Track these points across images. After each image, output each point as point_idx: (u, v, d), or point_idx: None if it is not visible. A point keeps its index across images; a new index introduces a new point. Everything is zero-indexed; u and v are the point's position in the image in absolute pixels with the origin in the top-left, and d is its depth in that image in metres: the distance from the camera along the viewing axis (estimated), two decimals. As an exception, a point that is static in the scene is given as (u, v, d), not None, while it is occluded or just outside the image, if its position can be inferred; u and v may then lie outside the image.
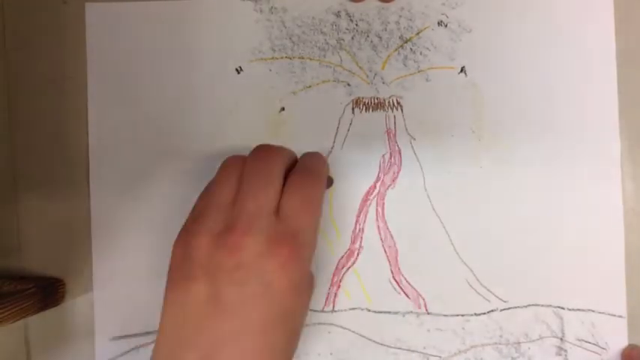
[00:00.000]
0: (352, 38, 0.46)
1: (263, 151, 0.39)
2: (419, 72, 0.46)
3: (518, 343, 0.45)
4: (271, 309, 0.33)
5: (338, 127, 0.46)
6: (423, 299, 0.45)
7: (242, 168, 0.37)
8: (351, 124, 0.46)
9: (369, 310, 0.46)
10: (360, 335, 0.45)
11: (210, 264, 0.33)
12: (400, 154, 0.46)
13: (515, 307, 0.45)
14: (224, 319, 0.32)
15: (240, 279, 0.33)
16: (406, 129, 0.46)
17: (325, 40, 0.46)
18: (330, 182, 0.44)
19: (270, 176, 0.36)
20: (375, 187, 0.46)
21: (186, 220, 0.38)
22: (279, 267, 0.33)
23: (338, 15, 0.46)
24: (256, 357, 0.32)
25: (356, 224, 0.46)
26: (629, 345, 0.45)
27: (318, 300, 0.46)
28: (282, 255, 0.33)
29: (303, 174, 0.38)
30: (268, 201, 0.35)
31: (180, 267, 0.35)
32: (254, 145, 0.45)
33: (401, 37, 0.46)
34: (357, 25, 0.46)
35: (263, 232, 0.33)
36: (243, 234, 0.33)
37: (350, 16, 0.46)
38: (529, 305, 0.45)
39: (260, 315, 0.33)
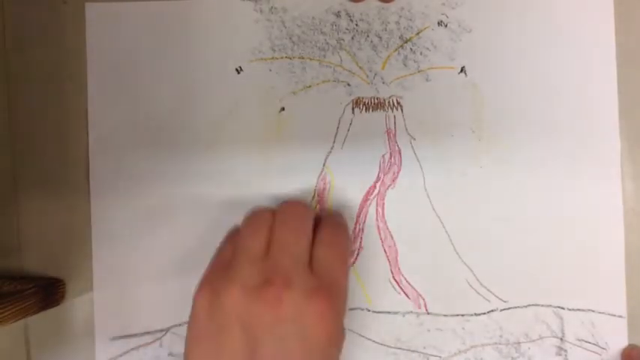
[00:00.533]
0: (352, 38, 0.46)
1: (293, 205, 0.39)
2: (419, 72, 0.46)
3: (518, 343, 0.45)
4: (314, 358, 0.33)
5: (338, 127, 0.46)
6: (423, 299, 0.45)
7: (271, 220, 0.38)
8: (351, 124, 0.46)
9: (369, 310, 0.46)
10: (360, 335, 0.45)
11: (247, 318, 0.33)
12: (400, 154, 0.46)
13: (515, 307, 0.45)
14: None
15: (280, 333, 0.33)
16: (406, 129, 0.46)
17: (325, 40, 0.46)
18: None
19: (302, 230, 0.37)
20: (375, 187, 0.46)
21: (210, 269, 0.38)
22: (318, 320, 0.33)
23: (338, 15, 0.46)
24: None
25: (356, 224, 0.46)
26: (630, 345, 0.45)
27: (318, 300, 0.46)
28: (320, 308, 0.33)
29: (332, 225, 0.39)
30: (303, 255, 0.35)
31: (210, 319, 0.35)
32: (254, 145, 0.45)
33: (401, 37, 0.46)
34: (357, 25, 0.46)
35: (301, 285, 0.33)
36: (283, 288, 0.33)
37: (350, 16, 0.46)
38: (529, 305, 0.45)
39: None
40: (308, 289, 0.33)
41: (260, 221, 0.38)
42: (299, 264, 0.35)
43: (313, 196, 0.46)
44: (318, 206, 0.46)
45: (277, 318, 0.33)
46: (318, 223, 0.40)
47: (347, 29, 0.46)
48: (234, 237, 0.39)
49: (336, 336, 0.35)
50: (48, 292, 0.44)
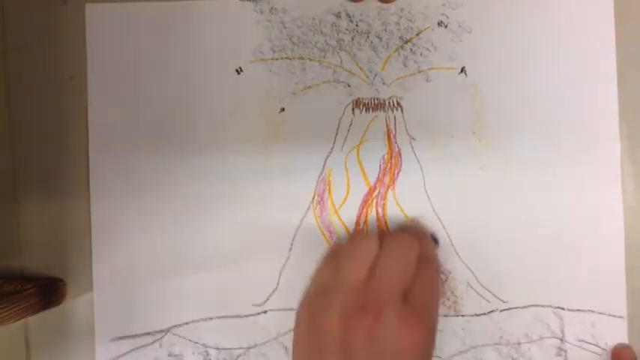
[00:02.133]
0: (352, 39, 0.46)
1: (400, 238, 0.39)
2: (419, 72, 0.46)
3: (519, 343, 0.45)
4: None
5: (338, 128, 0.46)
6: (423, 300, 0.45)
7: (376, 250, 0.38)
8: (351, 124, 0.46)
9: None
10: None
11: (345, 343, 0.34)
12: (400, 154, 0.46)
13: (516, 308, 0.45)
14: None
15: (376, 357, 0.34)
16: (406, 129, 0.46)
17: (325, 40, 0.46)
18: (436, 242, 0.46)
19: (407, 266, 0.37)
20: (375, 187, 0.46)
21: (310, 291, 0.39)
22: (413, 349, 0.34)
23: (338, 16, 0.46)
24: None
25: (356, 225, 0.46)
26: (619, 344, 0.45)
27: (318, 300, 0.46)
28: (415, 338, 0.34)
29: (425, 260, 0.39)
30: (402, 288, 0.36)
31: (311, 342, 0.36)
32: (254, 145, 0.45)
33: (401, 38, 0.46)
34: (357, 25, 0.46)
35: (396, 314, 0.34)
36: (379, 317, 0.34)
37: (350, 17, 0.46)
38: (529, 306, 0.45)
39: None
40: (402, 317, 0.34)
41: (364, 251, 0.38)
42: (396, 296, 0.36)
43: (313, 197, 0.46)
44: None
45: (372, 344, 0.34)
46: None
47: (347, 30, 0.46)
48: (335, 261, 0.40)
49: (428, 349, 0.36)
50: (48, 292, 0.44)
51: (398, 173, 0.46)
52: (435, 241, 0.45)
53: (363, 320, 0.34)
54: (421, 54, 0.46)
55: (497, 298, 0.45)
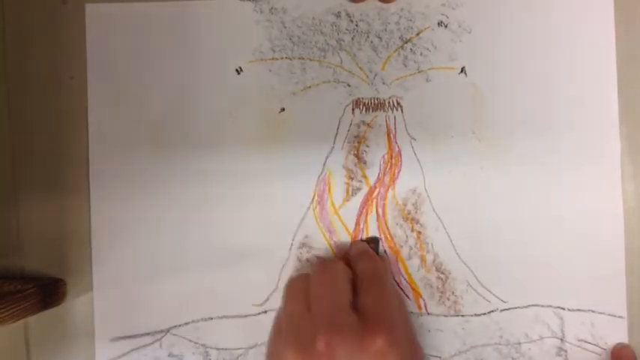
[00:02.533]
0: (352, 39, 0.46)
1: (322, 264, 0.41)
2: (419, 72, 0.46)
3: (519, 343, 0.45)
4: None
5: (338, 128, 0.46)
6: (424, 300, 0.45)
7: (307, 283, 0.39)
8: (351, 124, 0.46)
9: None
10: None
11: None
12: (400, 154, 0.46)
13: (516, 308, 0.45)
14: None
15: None
16: (406, 129, 0.46)
17: (325, 40, 0.46)
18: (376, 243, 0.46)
19: (337, 281, 0.38)
20: (375, 187, 0.46)
21: (270, 337, 0.40)
22: (379, 357, 0.33)
23: (338, 15, 0.46)
24: None
25: (357, 225, 0.46)
26: (619, 344, 0.45)
27: (318, 300, 0.46)
28: (378, 345, 0.33)
29: (368, 277, 0.39)
30: (344, 301, 0.36)
31: None
32: (254, 145, 0.45)
33: (401, 38, 0.46)
34: (357, 25, 0.46)
35: (350, 327, 0.34)
36: (331, 333, 0.33)
37: (350, 17, 0.46)
38: (529, 305, 0.45)
39: None
40: (358, 330, 0.34)
41: (296, 286, 0.39)
42: (342, 308, 0.35)
43: (313, 197, 0.46)
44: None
45: None
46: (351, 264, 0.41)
47: (347, 30, 0.46)
48: (284, 306, 0.40)
49: None
50: (48, 292, 0.44)
51: (398, 173, 0.46)
52: (376, 242, 0.45)
53: (318, 345, 0.33)
54: (421, 54, 0.46)
55: (498, 298, 0.45)
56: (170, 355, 0.45)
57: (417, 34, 0.46)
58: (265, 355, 0.40)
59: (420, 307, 0.45)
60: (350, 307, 0.36)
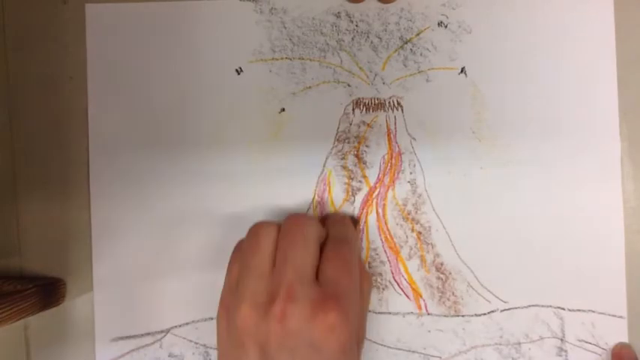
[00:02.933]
0: (352, 39, 0.46)
1: (296, 218, 0.39)
2: (419, 73, 0.46)
3: (519, 343, 0.45)
4: None
5: (338, 128, 0.46)
6: (424, 300, 0.45)
7: (275, 234, 0.38)
8: (351, 124, 0.46)
9: (370, 311, 0.45)
10: (361, 336, 0.45)
11: (258, 333, 0.34)
12: (400, 154, 0.46)
13: (516, 308, 0.45)
14: None
15: (291, 346, 0.33)
16: (406, 129, 0.46)
17: (325, 40, 0.46)
18: (355, 223, 0.45)
19: (306, 244, 0.37)
20: (375, 187, 0.46)
21: (224, 289, 0.38)
22: (328, 331, 0.33)
23: (338, 16, 0.46)
24: None
25: (357, 225, 0.46)
26: (619, 343, 0.45)
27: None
28: (329, 319, 0.33)
29: (336, 241, 0.38)
30: (307, 268, 0.35)
31: (228, 338, 0.36)
32: (254, 145, 0.45)
33: (401, 38, 0.46)
34: (357, 25, 0.46)
35: (307, 298, 0.34)
36: (288, 302, 0.33)
37: (350, 17, 0.46)
38: (529, 306, 0.45)
39: None
40: (313, 301, 0.34)
41: (262, 236, 0.38)
42: (304, 277, 0.35)
43: (313, 198, 0.46)
44: (319, 212, 0.46)
45: (286, 332, 0.33)
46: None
47: (347, 30, 0.46)
48: (240, 255, 0.39)
49: (349, 345, 0.34)
50: (48, 292, 0.44)
51: (398, 173, 0.46)
52: (355, 222, 0.45)
53: (273, 309, 0.33)
54: (421, 54, 0.46)
55: (498, 298, 0.45)
56: (170, 355, 0.45)
57: (417, 35, 0.46)
58: (219, 303, 0.39)
59: (420, 307, 0.45)
60: (313, 274, 0.35)
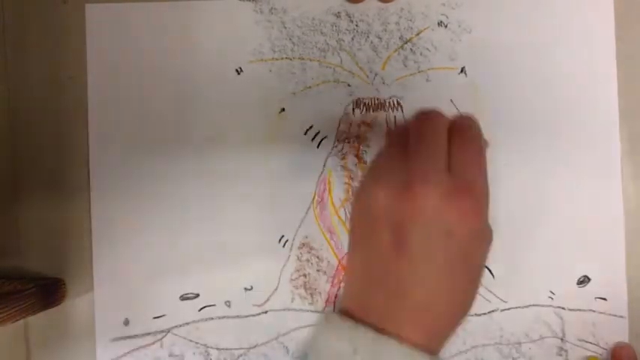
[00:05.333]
0: (352, 39, 0.46)
1: (426, 113, 0.39)
2: (419, 72, 0.46)
3: (519, 343, 0.45)
4: (453, 256, 0.34)
5: (338, 128, 0.46)
6: (424, 299, 0.45)
7: (407, 134, 0.38)
8: (351, 124, 0.46)
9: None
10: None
11: (393, 216, 0.35)
12: (401, 154, 0.46)
13: (516, 308, 0.45)
14: (410, 265, 0.34)
15: (423, 230, 0.34)
16: (406, 129, 0.46)
17: (325, 40, 0.46)
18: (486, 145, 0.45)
19: (436, 136, 0.37)
20: (375, 187, 0.46)
21: (362, 184, 0.39)
22: (460, 218, 0.34)
23: (338, 16, 0.46)
24: (441, 296, 0.35)
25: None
26: (618, 343, 0.45)
27: (318, 300, 0.46)
28: (462, 207, 0.34)
29: (464, 132, 0.39)
30: (439, 158, 0.36)
31: (363, 219, 0.37)
32: (255, 145, 0.45)
33: (401, 38, 0.46)
34: (357, 25, 0.46)
35: (440, 185, 0.34)
36: (422, 187, 0.34)
37: (350, 17, 0.46)
38: (530, 305, 0.45)
39: (443, 261, 0.34)
40: (447, 188, 0.34)
41: (397, 137, 0.39)
42: (436, 166, 0.36)
43: (313, 198, 0.46)
44: (319, 212, 0.46)
45: (420, 214, 0.34)
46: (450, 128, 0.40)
47: (347, 30, 0.46)
48: (390, 146, 0.40)
49: (479, 233, 0.36)
50: (48, 292, 0.44)
51: (398, 173, 0.46)
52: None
53: (409, 192, 0.34)
54: (421, 54, 0.46)
55: (498, 298, 0.45)
56: (171, 355, 0.45)
57: (417, 34, 0.46)
58: (354, 194, 0.42)
59: (420, 307, 0.45)
60: (446, 164, 0.36)
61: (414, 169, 0.35)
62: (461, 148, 0.37)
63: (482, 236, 0.36)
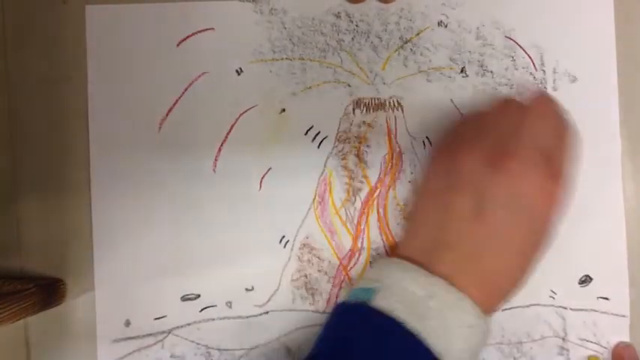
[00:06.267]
0: (352, 39, 0.46)
1: (552, 101, 0.40)
2: (419, 72, 0.46)
3: (521, 342, 0.45)
4: (533, 235, 0.36)
5: (338, 128, 0.46)
6: (425, 300, 0.45)
7: (522, 112, 0.38)
8: (351, 124, 0.46)
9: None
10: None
11: (480, 181, 0.35)
12: (401, 154, 0.46)
13: (517, 307, 0.45)
14: (488, 234, 0.35)
15: (509, 204, 0.35)
16: (407, 129, 0.46)
17: (325, 41, 0.46)
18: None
19: (554, 127, 0.38)
20: (376, 187, 0.46)
21: (449, 137, 0.40)
22: (548, 204, 0.35)
23: (338, 16, 0.46)
24: (510, 267, 0.36)
25: (358, 225, 0.46)
26: (620, 343, 0.45)
27: (319, 301, 0.46)
28: (553, 194, 0.36)
29: (568, 128, 0.39)
30: (545, 144, 0.37)
31: (444, 179, 0.37)
32: (255, 146, 0.45)
33: (401, 38, 0.46)
34: (357, 25, 0.46)
35: (538, 167, 0.35)
36: (521, 163, 0.35)
37: (350, 17, 0.46)
38: (531, 305, 0.45)
39: (522, 239, 0.35)
40: (544, 173, 0.35)
41: (511, 107, 0.39)
42: (538, 149, 0.36)
43: (314, 198, 0.46)
44: (320, 212, 0.46)
45: (508, 188, 0.35)
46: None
47: (347, 30, 0.46)
48: (477, 117, 0.40)
49: (556, 219, 0.37)
50: (48, 292, 0.44)
51: (399, 173, 0.46)
52: None
53: (505, 162, 0.35)
54: (421, 54, 0.46)
55: (499, 297, 0.45)
56: (172, 355, 0.45)
57: (417, 34, 0.46)
58: (431, 153, 0.42)
59: (421, 308, 0.45)
60: (541, 146, 0.36)
61: (519, 142, 0.36)
62: (563, 139, 0.38)
63: (558, 217, 0.37)
